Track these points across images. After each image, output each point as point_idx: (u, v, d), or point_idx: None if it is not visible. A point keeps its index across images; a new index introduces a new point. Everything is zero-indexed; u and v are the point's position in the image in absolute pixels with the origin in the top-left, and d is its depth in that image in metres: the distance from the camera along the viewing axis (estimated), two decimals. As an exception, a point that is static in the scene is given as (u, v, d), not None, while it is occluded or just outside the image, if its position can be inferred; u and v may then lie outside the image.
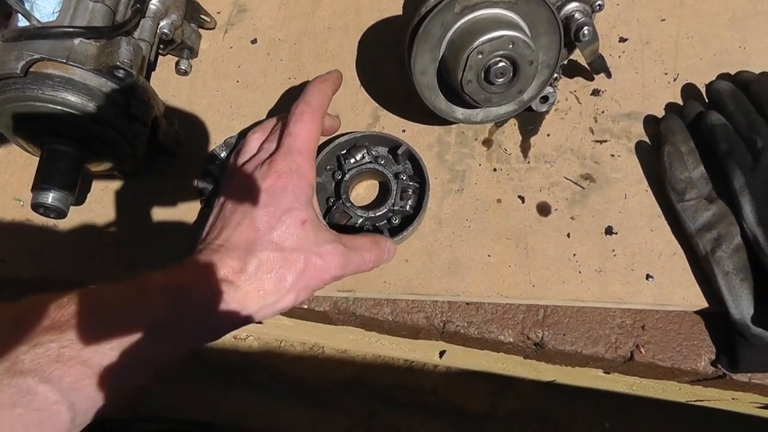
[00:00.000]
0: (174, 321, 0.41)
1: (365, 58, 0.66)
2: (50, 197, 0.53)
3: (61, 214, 0.54)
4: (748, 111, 0.57)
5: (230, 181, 0.50)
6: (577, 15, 0.55)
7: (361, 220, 0.57)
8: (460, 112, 0.58)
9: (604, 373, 0.84)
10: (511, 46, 0.50)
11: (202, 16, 0.65)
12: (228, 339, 1.40)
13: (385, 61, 0.65)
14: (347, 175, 0.58)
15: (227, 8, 0.69)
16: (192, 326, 0.42)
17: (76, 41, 0.52)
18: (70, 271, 0.61)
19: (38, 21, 0.51)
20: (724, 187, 0.56)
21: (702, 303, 0.55)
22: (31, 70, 0.50)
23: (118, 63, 0.52)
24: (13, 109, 0.51)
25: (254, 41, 0.67)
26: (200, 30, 0.66)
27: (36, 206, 0.53)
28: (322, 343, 1.35)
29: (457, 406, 1.32)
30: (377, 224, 0.57)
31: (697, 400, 0.93)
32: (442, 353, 1.01)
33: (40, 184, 0.53)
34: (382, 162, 0.59)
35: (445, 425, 1.31)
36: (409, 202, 0.58)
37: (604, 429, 1.25)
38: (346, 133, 0.59)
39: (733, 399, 0.85)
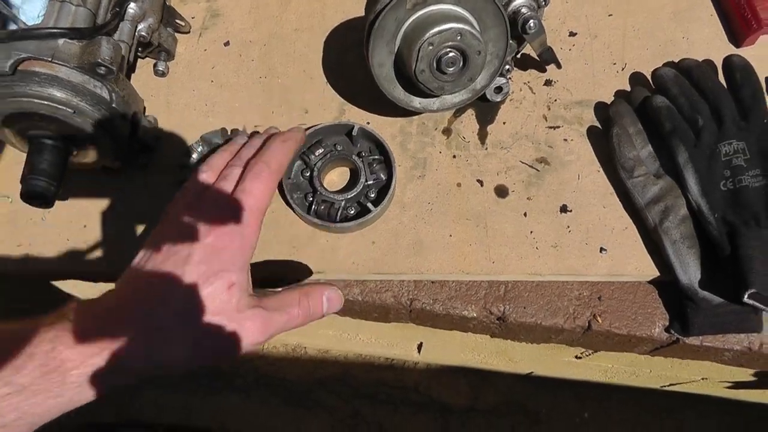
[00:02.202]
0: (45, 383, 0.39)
1: (331, 56, 0.70)
2: (39, 186, 0.55)
3: (49, 202, 0.57)
4: (690, 93, 0.61)
5: (175, 216, 0.49)
6: (523, 10, 0.59)
7: (343, 202, 0.61)
8: (417, 101, 0.61)
9: (576, 358, 0.87)
10: (459, 37, 0.53)
11: (177, 21, 0.69)
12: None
13: (349, 58, 0.69)
14: (315, 169, 0.62)
15: (201, 13, 0.73)
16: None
17: (60, 41, 0.55)
18: (55, 266, 0.63)
19: (25, 24, 0.55)
20: (670, 164, 0.59)
21: (654, 272, 0.58)
22: (18, 68, 0.54)
23: (99, 60, 0.55)
24: (3, 105, 0.55)
25: (227, 44, 0.71)
26: (176, 34, 0.70)
27: (25, 195, 0.55)
28: (304, 343, 1.37)
29: (439, 401, 1.33)
30: (360, 201, 0.61)
31: (670, 384, 0.95)
32: (419, 346, 1.03)
33: (29, 175, 0.55)
34: (340, 148, 0.63)
35: (429, 420, 1.32)
36: (381, 174, 0.62)
37: (582, 419, 1.27)
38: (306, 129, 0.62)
39: (703, 379, 0.87)
